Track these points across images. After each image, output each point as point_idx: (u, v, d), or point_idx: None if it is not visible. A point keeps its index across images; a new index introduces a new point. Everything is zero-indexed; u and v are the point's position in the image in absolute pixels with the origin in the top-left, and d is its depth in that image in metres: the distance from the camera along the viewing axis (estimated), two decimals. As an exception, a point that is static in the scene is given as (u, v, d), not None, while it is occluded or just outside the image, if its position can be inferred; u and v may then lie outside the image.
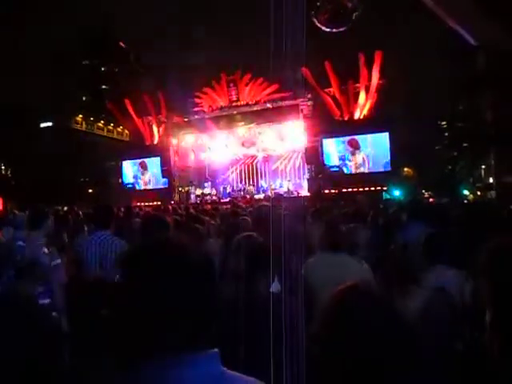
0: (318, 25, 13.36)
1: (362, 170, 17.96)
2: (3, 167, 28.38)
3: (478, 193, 20.69)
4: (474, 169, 22.51)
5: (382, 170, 17.59)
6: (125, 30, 19.21)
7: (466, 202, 12.75)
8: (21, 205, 15.14)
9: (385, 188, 17.20)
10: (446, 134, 24.93)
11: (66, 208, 16.12)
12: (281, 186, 19.71)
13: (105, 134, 31.27)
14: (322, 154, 18.55)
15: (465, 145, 22.56)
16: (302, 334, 1.13)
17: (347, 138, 18.14)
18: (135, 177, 23.15)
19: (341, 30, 13.74)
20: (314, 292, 1.89)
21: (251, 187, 20.68)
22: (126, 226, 5.09)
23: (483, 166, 22.06)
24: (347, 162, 18.19)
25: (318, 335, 1.03)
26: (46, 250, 3.18)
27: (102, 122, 30.84)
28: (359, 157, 17.98)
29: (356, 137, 17.99)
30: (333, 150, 18.48)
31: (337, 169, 18.36)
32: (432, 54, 19.45)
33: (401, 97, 18.40)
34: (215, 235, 4.43)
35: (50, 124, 28.53)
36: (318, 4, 13.14)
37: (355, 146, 18.03)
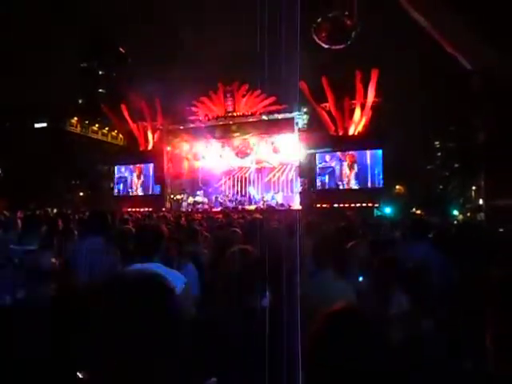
0: (318, 41, 13.52)
1: (354, 185, 18.08)
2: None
3: (468, 214, 20.88)
4: (464, 190, 22.74)
5: (373, 186, 17.73)
6: (124, 34, 19.27)
7: (455, 222, 12.86)
8: (11, 205, 14.99)
9: (376, 205, 17.31)
10: (439, 153, 25.21)
11: (55, 210, 16.00)
12: (273, 198, 19.75)
13: (99, 137, 31.20)
14: (316, 167, 18.66)
15: (456, 165, 22.81)
16: (297, 348, 1.14)
17: (341, 154, 18.30)
18: (127, 182, 23.05)
19: (340, 47, 13.91)
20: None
21: (243, 198, 20.72)
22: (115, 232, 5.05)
23: (474, 188, 22.30)
24: (340, 177, 18.31)
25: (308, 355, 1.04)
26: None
27: (97, 125, 30.77)
28: (352, 172, 18.11)
29: (350, 152, 18.16)
30: (326, 164, 18.60)
31: (329, 183, 18.47)
32: (427, 74, 19.75)
33: (395, 115, 18.61)
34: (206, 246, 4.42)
35: (44, 125, 28.42)
36: (318, 21, 13.31)
37: (350, 162, 18.17)
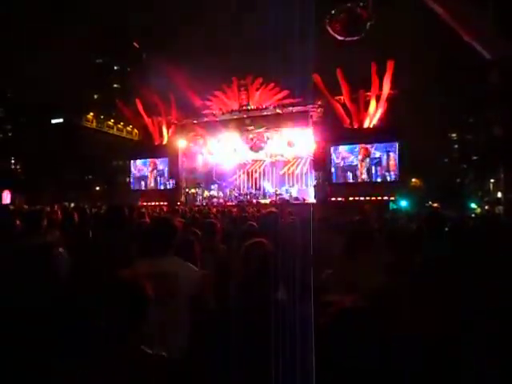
0: (332, 33, 13.37)
1: (369, 179, 17.91)
2: (13, 162, 28.65)
3: (486, 207, 20.53)
4: (482, 183, 22.36)
5: (389, 179, 17.55)
6: (138, 30, 19.36)
7: (473, 215, 12.66)
8: (29, 200, 15.28)
9: (392, 198, 17.14)
10: (456, 146, 24.81)
11: (72, 205, 16.24)
12: (287, 192, 19.71)
13: (114, 132, 31.50)
14: (330, 161, 18.54)
15: (474, 158, 22.42)
16: (310, 341, 1.14)
17: (357, 146, 18.13)
18: (143, 176, 23.25)
19: (354, 38, 13.73)
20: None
21: (258, 192, 20.74)
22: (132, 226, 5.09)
23: (492, 181, 21.91)
24: (355, 170, 18.16)
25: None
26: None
27: (112, 120, 31.06)
28: (367, 166, 17.94)
29: (366, 145, 17.98)
30: (341, 157, 18.46)
31: (344, 177, 18.33)
32: (445, 66, 19.40)
33: (411, 107, 18.33)
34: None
35: (61, 120, 28.80)
36: (333, 12, 13.15)
37: (365, 155, 18.00)
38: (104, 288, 1.59)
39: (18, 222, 3.74)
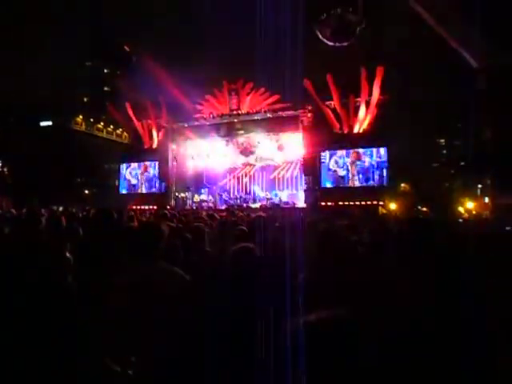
0: (322, 38, 13.47)
1: (358, 183, 18.02)
2: (0, 165, 28.30)
3: (474, 212, 20.78)
4: (470, 187, 22.64)
5: (379, 184, 17.67)
6: (128, 33, 19.31)
7: (461, 220, 12.80)
8: (16, 203, 15.08)
9: (381, 202, 17.26)
10: (444, 151, 25.10)
11: (61, 208, 16.07)
12: (277, 196, 19.75)
13: (104, 135, 31.31)
14: (320, 165, 18.63)
15: (462, 163, 22.71)
16: (302, 346, 1.13)
17: (346, 151, 18.25)
18: (132, 180, 23.12)
19: (344, 44, 13.85)
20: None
21: (248, 196, 20.76)
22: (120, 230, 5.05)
23: (479, 186, 22.18)
24: (345, 175, 18.26)
25: None
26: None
27: (102, 123, 30.88)
28: (357, 170, 18.05)
29: (355, 150, 18.09)
30: (331, 162, 18.56)
31: (334, 181, 18.43)
32: (433, 71, 19.64)
33: (400, 112, 18.52)
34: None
35: (49, 123, 28.55)
36: (322, 18, 13.25)
37: (354, 159, 18.12)
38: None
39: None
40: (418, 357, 1.73)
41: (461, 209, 21.46)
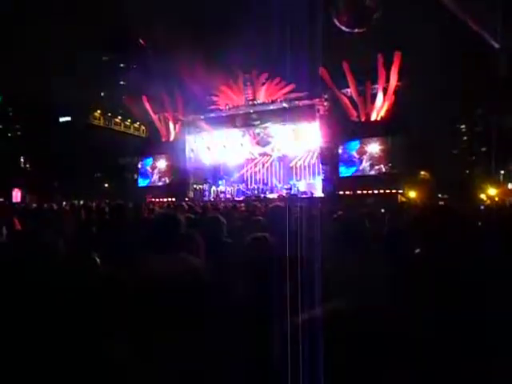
0: (339, 25, 13.28)
1: (377, 172, 17.81)
2: (22, 160, 28.92)
3: (496, 198, 20.32)
4: (492, 174, 22.13)
5: (398, 172, 17.43)
6: (144, 26, 19.38)
7: (482, 207, 12.54)
8: (40, 198, 15.42)
9: (400, 191, 17.04)
10: (465, 137, 24.55)
11: (81, 202, 16.37)
12: (295, 186, 19.67)
13: (122, 129, 31.61)
14: (338, 154, 18.47)
15: (483, 149, 22.19)
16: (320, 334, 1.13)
17: (364, 139, 18.03)
18: (150, 173, 23.37)
19: (361, 30, 13.63)
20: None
21: (265, 187, 20.75)
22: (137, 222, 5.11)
23: (502, 172, 21.67)
24: (362, 163, 18.06)
25: None
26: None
27: (120, 117, 31.17)
28: (375, 158, 17.83)
29: (373, 138, 17.87)
30: (349, 150, 18.38)
31: (352, 170, 18.25)
32: (453, 55, 19.15)
33: (419, 98, 18.14)
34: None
35: (68, 119, 28.99)
36: (339, 4, 13.05)
37: (372, 148, 17.90)
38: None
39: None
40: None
41: (483, 195, 21.01)
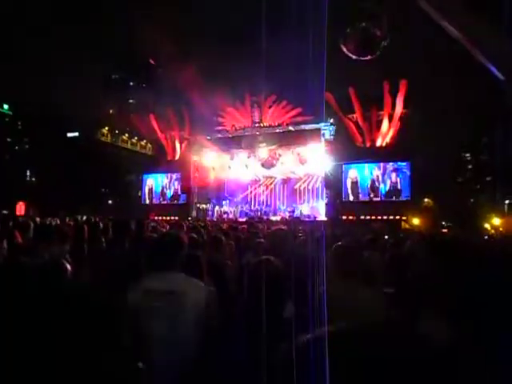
0: (346, 52, 13.46)
1: (380, 198, 17.79)
2: (28, 174, 29.12)
3: (501, 229, 20.19)
4: (497, 204, 22.04)
5: (401, 198, 17.40)
6: (153, 46, 19.78)
7: (486, 237, 12.46)
8: (43, 212, 15.45)
9: (404, 217, 16.97)
10: (470, 166, 24.55)
11: (84, 217, 16.39)
12: (298, 209, 19.65)
13: (129, 146, 31.86)
14: (342, 179, 18.49)
15: (488, 178, 22.17)
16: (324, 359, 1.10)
17: (369, 165, 18.08)
18: (155, 191, 23.43)
19: (368, 58, 13.80)
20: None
21: (269, 208, 20.75)
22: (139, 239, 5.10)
23: (507, 202, 21.57)
24: (367, 188, 18.07)
25: None
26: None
27: (127, 135, 31.47)
28: (379, 184, 17.84)
29: (378, 164, 17.91)
30: (353, 175, 18.41)
31: (355, 195, 18.24)
32: (458, 85, 19.35)
33: (424, 126, 18.26)
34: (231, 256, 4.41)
35: (76, 134, 29.31)
36: (347, 31, 13.26)
37: (377, 174, 17.92)
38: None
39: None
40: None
41: (487, 225, 20.87)
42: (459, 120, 20.43)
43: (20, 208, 23.62)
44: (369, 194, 18.07)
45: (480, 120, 20.19)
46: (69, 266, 2.43)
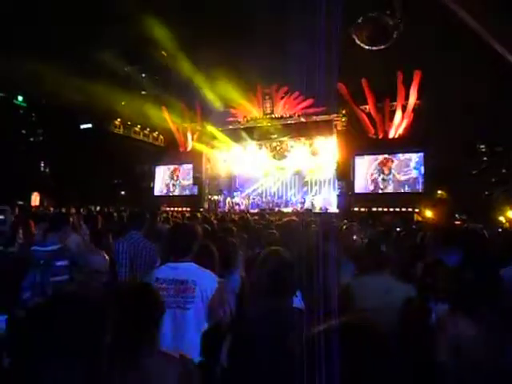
0: (358, 42, 13.32)
1: (393, 189, 17.65)
2: (43, 165, 29.49)
3: (516, 221, 19.88)
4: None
5: (414, 190, 17.24)
6: (166, 38, 19.74)
7: (500, 229, 12.29)
8: (57, 203, 15.68)
9: (416, 210, 16.82)
10: (485, 158, 24.14)
11: (98, 208, 16.59)
12: (310, 201, 19.60)
13: (141, 138, 31.99)
14: (354, 170, 18.37)
15: (504, 171, 21.79)
16: (336, 354, 1.12)
17: (381, 156, 17.92)
18: (167, 182, 23.58)
19: (381, 47, 13.64)
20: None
21: (280, 200, 20.74)
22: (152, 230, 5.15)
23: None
24: (379, 180, 17.93)
25: None
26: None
27: (139, 126, 31.59)
28: (392, 176, 17.69)
29: (390, 156, 17.75)
30: (365, 167, 18.27)
31: (367, 187, 18.12)
32: (474, 74, 18.98)
33: (438, 117, 17.99)
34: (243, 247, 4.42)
35: (89, 126, 29.51)
36: (359, 21, 13.11)
37: (389, 165, 17.77)
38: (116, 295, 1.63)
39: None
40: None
41: (502, 218, 20.57)
42: (474, 111, 20.07)
43: (35, 199, 23.99)
44: (381, 186, 17.93)
45: (496, 111, 19.77)
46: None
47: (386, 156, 17.84)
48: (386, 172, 17.80)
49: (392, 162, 17.73)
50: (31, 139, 29.73)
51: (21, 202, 17.80)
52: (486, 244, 4.34)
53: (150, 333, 1.58)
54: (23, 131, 29.36)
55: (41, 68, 18.04)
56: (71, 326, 1.24)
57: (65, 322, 1.25)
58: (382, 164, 17.94)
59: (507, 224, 19.66)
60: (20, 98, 27.83)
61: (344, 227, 5.69)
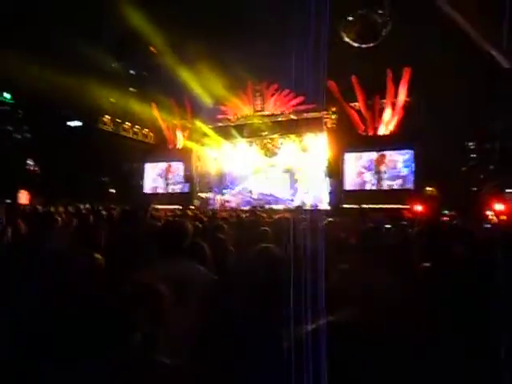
0: (347, 40, 13.35)
1: (383, 186, 17.76)
2: (32, 163, 29.15)
3: (504, 217, 20.14)
4: (501, 193, 21.94)
5: (404, 187, 17.37)
6: (154, 34, 19.60)
7: (488, 226, 12.44)
8: (46, 201, 15.51)
9: (407, 206, 16.94)
10: (474, 155, 24.40)
11: (87, 206, 16.45)
12: (300, 198, 19.66)
13: (130, 135, 31.74)
14: (344, 167, 18.45)
15: (491, 167, 22.06)
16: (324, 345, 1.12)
17: (371, 153, 18.02)
18: (157, 179, 23.45)
19: (370, 45, 13.68)
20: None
21: (271, 197, 20.75)
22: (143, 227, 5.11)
23: (510, 190, 21.45)
24: (369, 177, 18.03)
25: None
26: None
27: (128, 123, 31.36)
28: (381, 173, 17.80)
29: (380, 153, 17.85)
30: (355, 164, 18.36)
31: (358, 184, 18.21)
32: (462, 72, 19.16)
33: (427, 114, 18.14)
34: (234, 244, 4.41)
35: (78, 123, 29.23)
36: (348, 19, 13.13)
37: (379, 162, 17.87)
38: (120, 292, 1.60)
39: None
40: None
41: (489, 212, 20.82)
42: (463, 108, 20.26)
43: (22, 197, 23.69)
44: (371, 183, 18.03)
45: (485, 108, 19.98)
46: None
47: (376, 153, 17.93)
48: (376, 169, 17.90)
49: (382, 158, 17.84)
50: (18, 136, 29.36)
51: (8, 201, 17.57)
52: (474, 239, 4.38)
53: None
54: (9, 127, 28.98)
55: (27, 64, 17.79)
56: None
57: None
58: (372, 161, 18.04)
59: (494, 218, 19.90)
60: (6, 95, 27.46)
61: (330, 224, 5.70)
